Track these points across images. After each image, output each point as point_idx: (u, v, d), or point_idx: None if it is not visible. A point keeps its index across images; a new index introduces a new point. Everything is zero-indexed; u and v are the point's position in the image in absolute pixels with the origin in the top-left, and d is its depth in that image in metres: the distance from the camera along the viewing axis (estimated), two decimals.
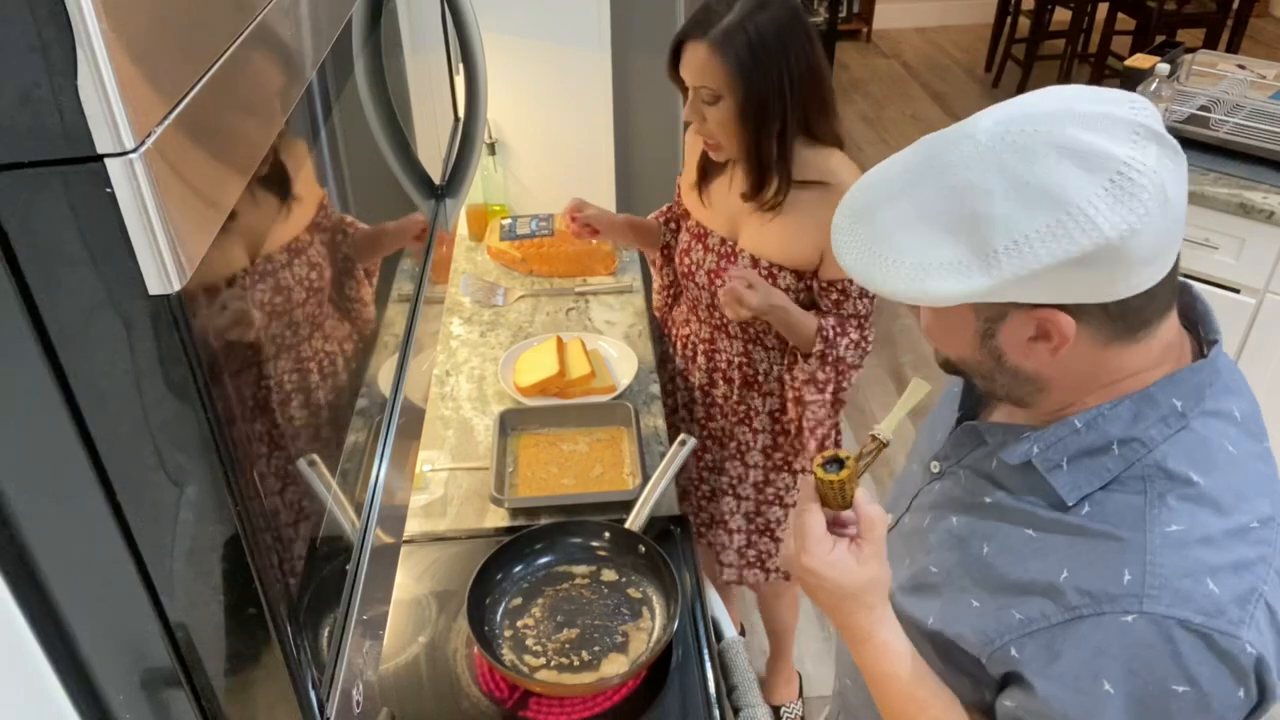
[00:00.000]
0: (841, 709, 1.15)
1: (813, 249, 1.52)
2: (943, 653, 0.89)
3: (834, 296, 1.55)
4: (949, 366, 0.88)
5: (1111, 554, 0.76)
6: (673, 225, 1.83)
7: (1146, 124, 0.69)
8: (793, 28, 1.39)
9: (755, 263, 1.56)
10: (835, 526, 0.89)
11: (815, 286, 1.56)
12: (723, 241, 1.61)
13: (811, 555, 0.85)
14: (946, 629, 0.87)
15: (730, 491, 1.83)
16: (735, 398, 1.72)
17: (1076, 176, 0.67)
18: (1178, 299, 0.80)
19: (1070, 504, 0.79)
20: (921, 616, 0.90)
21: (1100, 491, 0.79)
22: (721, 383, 1.73)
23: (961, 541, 0.88)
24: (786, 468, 1.78)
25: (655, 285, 1.90)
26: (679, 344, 1.81)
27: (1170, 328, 0.79)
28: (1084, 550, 0.77)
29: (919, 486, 0.98)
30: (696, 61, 1.40)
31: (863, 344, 1.58)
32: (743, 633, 2.36)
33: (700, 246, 1.65)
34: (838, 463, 0.87)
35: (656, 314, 1.92)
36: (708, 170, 1.61)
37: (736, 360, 1.69)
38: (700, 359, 1.75)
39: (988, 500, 0.87)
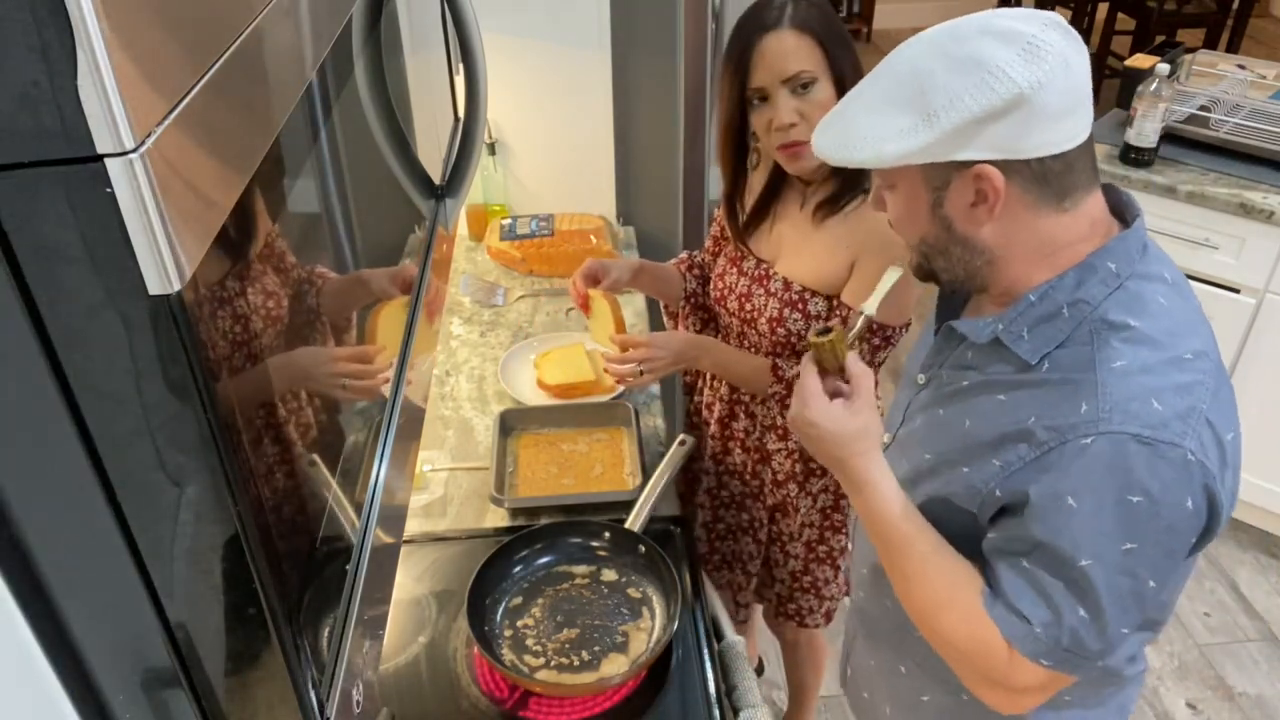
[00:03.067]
0: (859, 623, 1.26)
1: (844, 265, 1.44)
2: (943, 522, 1.00)
3: (843, 314, 1.47)
4: (921, 270, 1.00)
5: (1070, 394, 0.88)
6: (696, 272, 1.73)
7: (1054, 20, 0.87)
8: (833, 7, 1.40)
9: (787, 286, 1.48)
10: (830, 395, 1.02)
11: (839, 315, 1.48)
12: (758, 264, 1.54)
13: (810, 408, 1.00)
14: (942, 497, 1.00)
15: (749, 531, 1.72)
16: (756, 434, 1.63)
17: (996, 47, 0.84)
18: (1107, 197, 0.95)
19: (1033, 364, 0.92)
20: (920, 499, 1.02)
21: (1057, 350, 0.91)
22: (743, 416, 1.63)
23: (947, 425, 1.00)
24: (842, 528, 1.67)
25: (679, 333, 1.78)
26: (707, 375, 1.71)
27: (1095, 204, 0.92)
28: (1047, 397, 0.90)
29: (908, 399, 1.10)
30: (781, 51, 1.34)
31: (871, 363, 1.46)
32: (761, 670, 2.27)
33: (735, 270, 1.58)
34: (827, 331, 1.02)
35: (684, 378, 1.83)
36: (756, 216, 1.54)
37: (759, 397, 1.60)
38: (724, 389, 1.65)
39: (965, 384, 1.00)
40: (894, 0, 6.19)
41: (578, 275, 1.61)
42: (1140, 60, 2.46)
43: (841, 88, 1.33)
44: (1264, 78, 2.60)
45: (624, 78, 2.13)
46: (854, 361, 1.02)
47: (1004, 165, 0.86)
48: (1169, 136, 2.42)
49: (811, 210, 1.46)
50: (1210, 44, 4.59)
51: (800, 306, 1.47)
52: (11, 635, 0.44)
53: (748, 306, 1.54)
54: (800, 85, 1.34)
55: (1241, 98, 2.48)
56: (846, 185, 1.42)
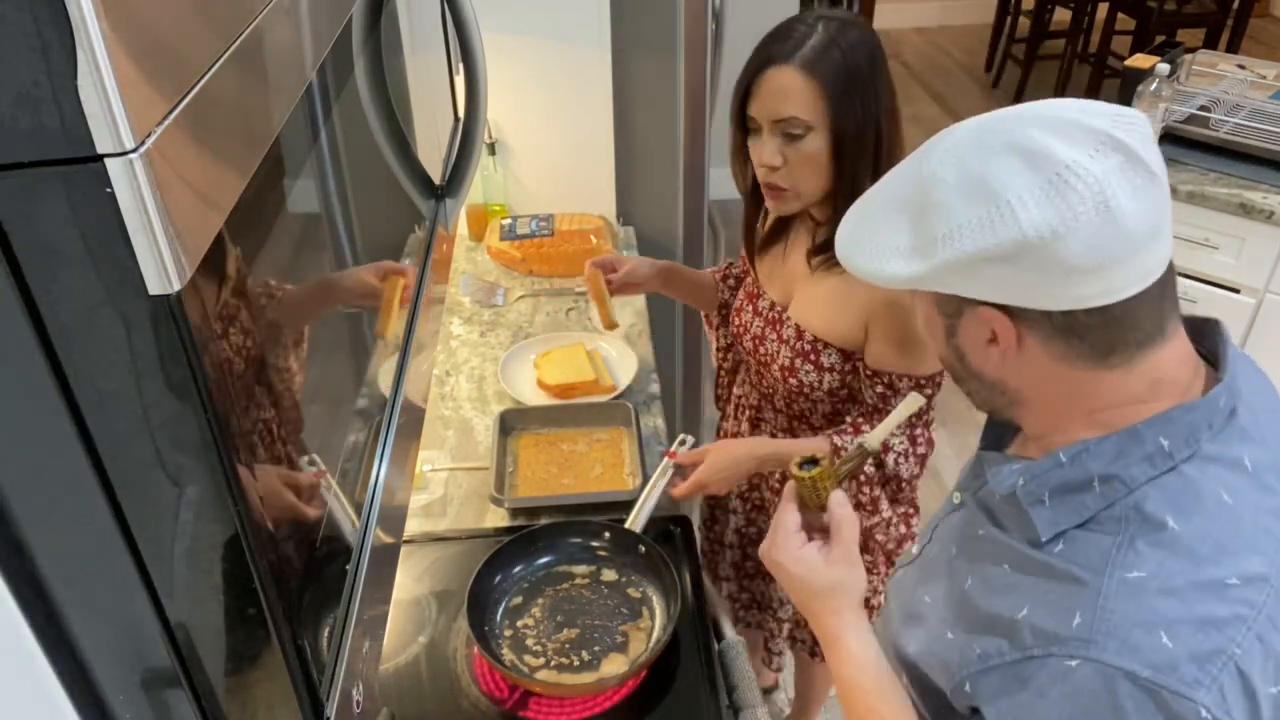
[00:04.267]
0: None
1: (856, 325, 1.32)
2: (919, 685, 0.87)
3: (879, 389, 1.34)
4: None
5: (1069, 595, 0.72)
6: (731, 283, 1.67)
7: (1120, 139, 0.67)
8: (879, 54, 1.24)
9: (800, 335, 1.38)
10: (816, 531, 0.91)
11: (860, 372, 1.36)
12: (772, 305, 1.44)
13: (779, 549, 0.90)
14: (921, 661, 0.85)
15: None
16: (777, 473, 1.55)
17: (1018, 173, 0.67)
18: (1202, 341, 0.78)
19: (1044, 539, 0.76)
20: (905, 644, 0.88)
21: (1078, 529, 0.75)
22: None
23: (953, 573, 0.85)
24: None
25: (715, 345, 1.72)
26: (732, 406, 1.65)
27: (1167, 362, 0.74)
28: (1047, 589, 0.74)
29: (941, 517, 0.95)
30: (781, 89, 1.22)
31: (913, 452, 1.35)
32: (776, 686, 2.21)
33: (751, 308, 1.49)
34: (813, 462, 0.89)
35: (716, 377, 1.74)
36: (768, 240, 1.46)
37: (780, 435, 1.52)
38: (746, 425, 1.59)
39: (980, 533, 0.84)
40: (894, 0, 6.19)
41: (591, 261, 1.58)
42: (1140, 60, 2.46)
43: (841, 145, 1.23)
44: (1264, 78, 2.60)
45: (624, 78, 2.13)
46: (839, 503, 0.90)
47: (1016, 312, 0.72)
48: (1169, 136, 2.42)
49: (808, 254, 1.37)
50: (1210, 44, 4.59)
51: (812, 358, 1.37)
52: (11, 635, 0.44)
53: (761, 350, 1.46)
54: (791, 131, 1.23)
55: (1241, 98, 2.48)
56: None
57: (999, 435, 0.92)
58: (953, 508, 0.93)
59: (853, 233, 0.80)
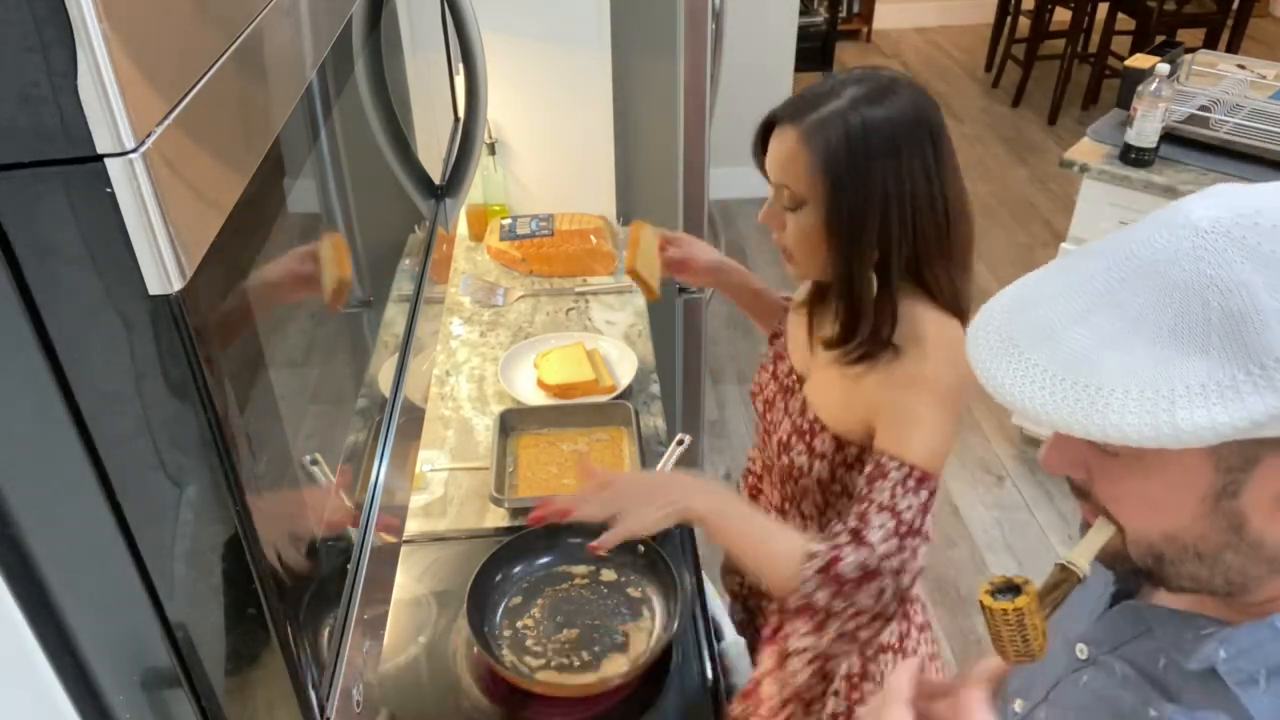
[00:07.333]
0: None
1: (859, 424, 1.16)
2: None
3: (868, 470, 1.12)
4: (1126, 565, 0.66)
5: None
6: (787, 316, 1.46)
7: None
8: (915, 129, 1.07)
9: (804, 410, 1.23)
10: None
11: (848, 461, 1.20)
12: (790, 372, 1.30)
13: None
14: None
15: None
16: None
17: None
18: None
19: None
20: None
21: None
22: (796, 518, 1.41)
23: None
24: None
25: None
26: (748, 458, 1.53)
27: None
28: None
29: (1060, 674, 0.77)
30: (780, 152, 1.10)
31: (886, 582, 1.06)
32: None
33: (769, 370, 1.36)
34: (1012, 590, 0.66)
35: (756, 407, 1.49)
36: (810, 299, 1.26)
37: (772, 511, 1.37)
38: (745, 489, 1.49)
39: (1153, 714, 0.66)
40: (894, 0, 6.19)
41: (649, 225, 1.48)
42: (1140, 60, 2.47)
43: (833, 228, 1.08)
44: (1264, 78, 2.60)
45: (624, 78, 2.13)
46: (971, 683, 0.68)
47: None
48: (1169, 136, 2.42)
49: (809, 340, 1.23)
50: (1210, 44, 4.60)
51: (807, 438, 1.22)
52: (11, 635, 0.44)
53: (769, 416, 1.33)
54: (785, 201, 1.12)
55: (1241, 98, 2.49)
56: (844, 329, 1.14)
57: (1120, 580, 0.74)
58: (1078, 664, 0.75)
59: (1072, 386, 0.57)
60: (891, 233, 1.08)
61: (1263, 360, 0.52)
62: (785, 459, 1.25)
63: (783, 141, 1.10)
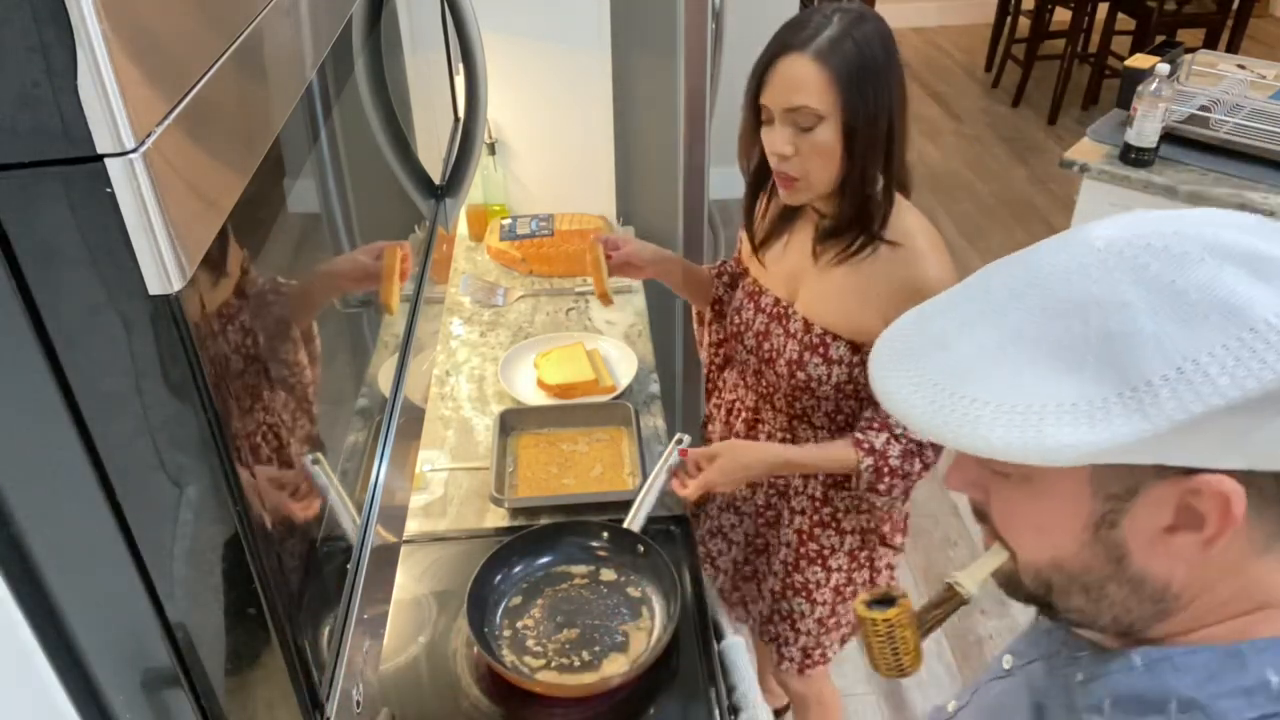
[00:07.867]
0: None
1: (877, 317, 1.31)
2: None
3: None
4: (1022, 592, 0.65)
5: None
6: (725, 279, 1.68)
7: None
8: (893, 47, 1.25)
9: (808, 328, 1.39)
10: None
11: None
12: (776, 302, 1.45)
13: None
14: None
15: (764, 571, 1.67)
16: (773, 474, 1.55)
17: (1250, 284, 0.51)
18: None
19: None
20: None
21: None
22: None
23: None
24: (820, 560, 1.56)
25: (704, 342, 1.73)
26: (723, 408, 1.64)
27: None
28: None
29: (986, 679, 0.78)
30: (794, 78, 1.22)
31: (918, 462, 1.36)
32: (787, 708, 2.13)
33: (752, 305, 1.49)
34: (887, 602, 0.67)
35: (705, 374, 1.74)
36: (771, 231, 1.45)
37: (779, 435, 1.51)
38: (740, 426, 1.58)
39: None
40: (894, 0, 6.19)
41: (595, 235, 1.62)
42: (1140, 60, 2.46)
43: (852, 136, 1.24)
44: (1264, 78, 2.60)
45: (624, 78, 2.13)
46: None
47: (1247, 478, 0.53)
48: (1169, 136, 2.41)
49: (813, 244, 1.37)
50: (1210, 44, 4.59)
51: (821, 351, 1.38)
52: (11, 635, 0.44)
53: (765, 346, 1.46)
54: (802, 122, 1.24)
55: (1241, 98, 2.48)
56: (849, 224, 1.32)
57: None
58: (1001, 673, 0.75)
59: (950, 397, 0.56)
60: (895, 130, 1.26)
61: (1135, 383, 0.51)
62: (800, 375, 1.40)
63: (795, 68, 1.23)
